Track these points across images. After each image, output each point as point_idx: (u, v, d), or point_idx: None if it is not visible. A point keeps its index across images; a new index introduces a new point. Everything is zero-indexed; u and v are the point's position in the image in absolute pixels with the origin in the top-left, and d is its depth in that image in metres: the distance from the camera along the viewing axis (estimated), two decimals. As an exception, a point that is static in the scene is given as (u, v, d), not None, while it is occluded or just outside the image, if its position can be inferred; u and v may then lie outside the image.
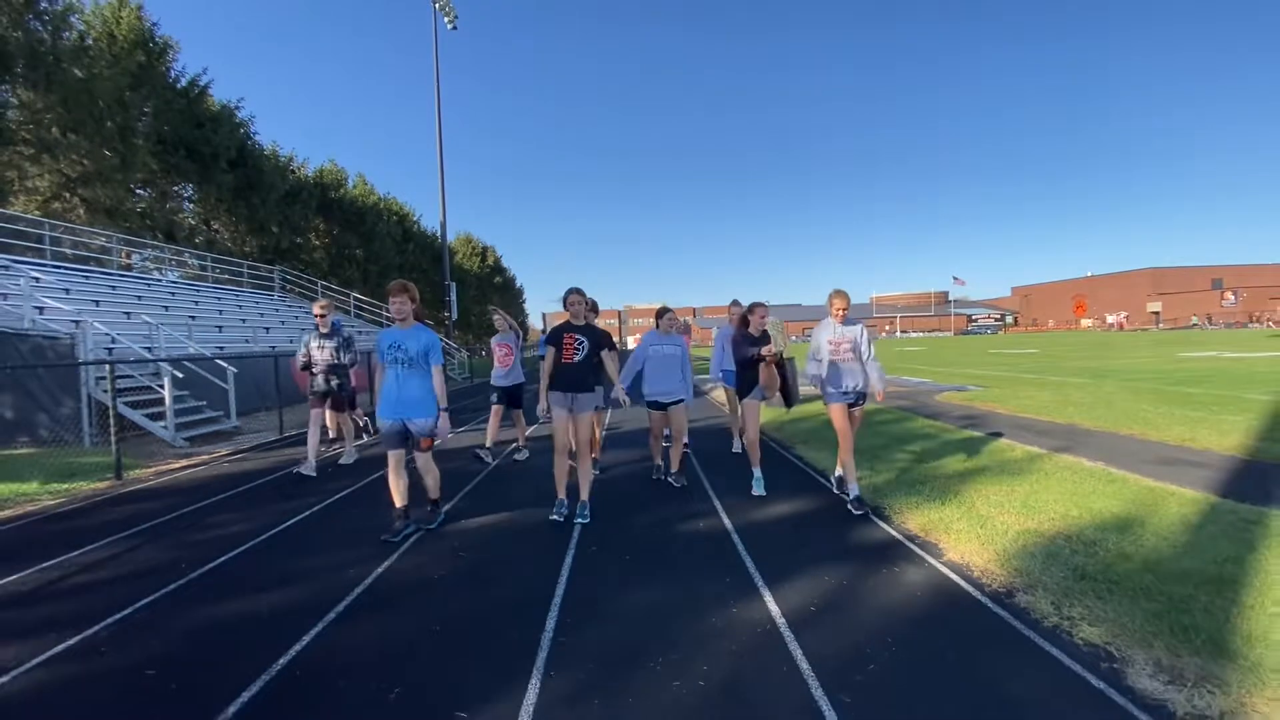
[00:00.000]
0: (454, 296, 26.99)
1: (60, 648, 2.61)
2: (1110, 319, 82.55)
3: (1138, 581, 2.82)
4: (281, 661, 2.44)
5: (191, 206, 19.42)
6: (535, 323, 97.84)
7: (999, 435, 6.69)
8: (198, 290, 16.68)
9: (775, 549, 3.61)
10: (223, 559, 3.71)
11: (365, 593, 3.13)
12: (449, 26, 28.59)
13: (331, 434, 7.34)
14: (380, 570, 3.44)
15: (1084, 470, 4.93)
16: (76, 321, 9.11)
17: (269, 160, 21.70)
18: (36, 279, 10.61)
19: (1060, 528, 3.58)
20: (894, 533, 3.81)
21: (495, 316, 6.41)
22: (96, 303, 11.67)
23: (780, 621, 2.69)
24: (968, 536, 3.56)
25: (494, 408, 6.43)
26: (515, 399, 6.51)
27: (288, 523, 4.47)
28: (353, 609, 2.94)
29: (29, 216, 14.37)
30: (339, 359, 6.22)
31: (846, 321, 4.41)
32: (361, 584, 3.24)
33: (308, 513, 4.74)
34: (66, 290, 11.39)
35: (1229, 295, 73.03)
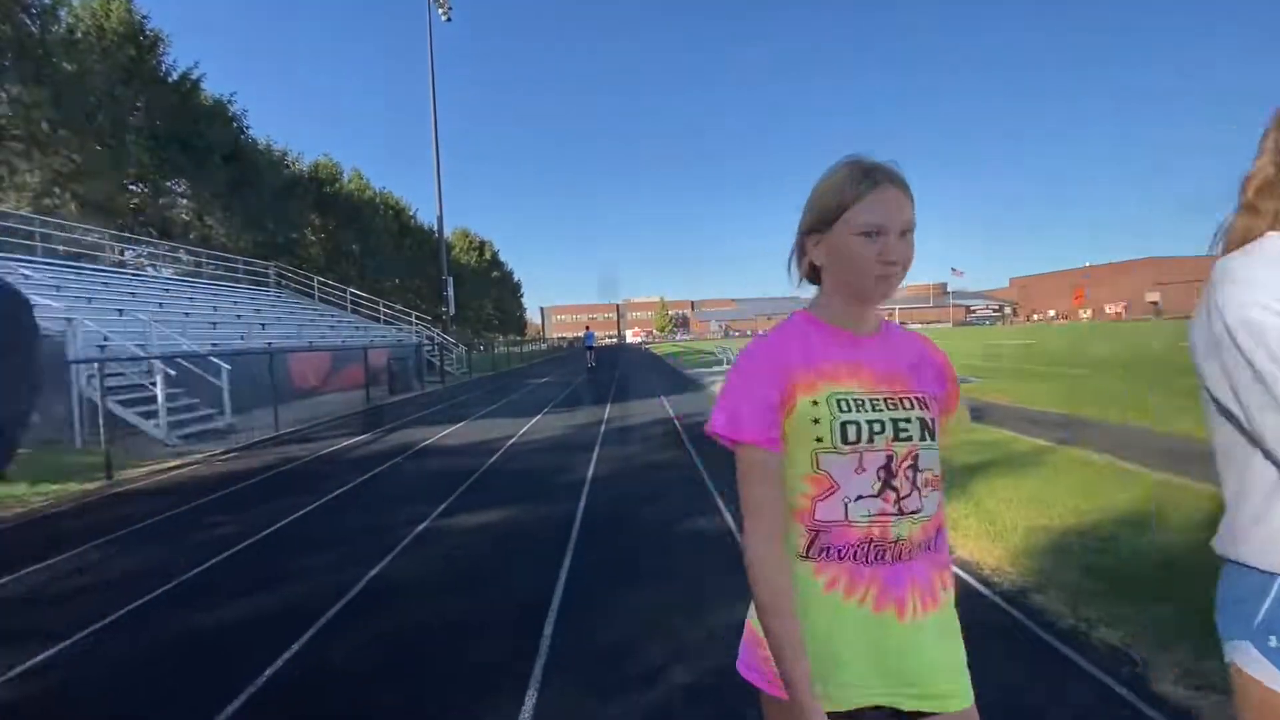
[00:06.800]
0: (451, 292, 26.89)
1: (40, 658, 2.51)
2: (1109, 309, 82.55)
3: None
4: (270, 670, 2.34)
5: (185, 202, 19.25)
6: (534, 318, 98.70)
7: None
8: (193, 287, 16.54)
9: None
10: (214, 560, 3.61)
11: (361, 594, 3.03)
12: (443, 18, 28.39)
13: None
14: (375, 572, 3.34)
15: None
16: (68, 319, 8.98)
17: (263, 155, 21.52)
18: (26, 275, 10.49)
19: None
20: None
21: None
22: (89, 300, 11.54)
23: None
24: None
25: None
26: None
27: (280, 523, 4.37)
28: (350, 608, 2.84)
29: (19, 213, 14.21)
30: None
31: None
32: (357, 586, 3.14)
33: (303, 511, 4.64)
34: (57, 288, 11.24)
35: (1228, 285, 72.89)
